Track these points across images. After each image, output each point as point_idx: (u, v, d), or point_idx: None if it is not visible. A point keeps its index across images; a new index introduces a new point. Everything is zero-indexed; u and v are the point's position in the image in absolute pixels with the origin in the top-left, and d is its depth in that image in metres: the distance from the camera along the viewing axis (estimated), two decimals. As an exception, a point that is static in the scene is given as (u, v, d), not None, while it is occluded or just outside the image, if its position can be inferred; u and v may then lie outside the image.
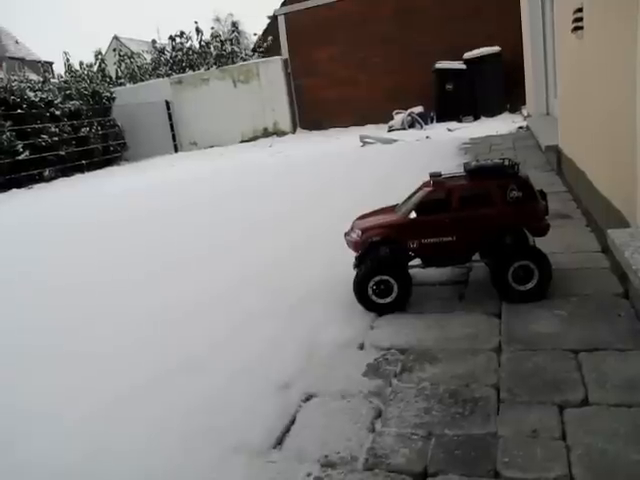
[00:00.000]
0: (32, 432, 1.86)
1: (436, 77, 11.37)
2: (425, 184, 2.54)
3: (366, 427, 1.65)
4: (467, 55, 11.12)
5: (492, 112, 10.98)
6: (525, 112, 9.12)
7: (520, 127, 8.56)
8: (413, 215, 2.44)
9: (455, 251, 2.48)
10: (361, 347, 2.18)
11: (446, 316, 2.32)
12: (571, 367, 1.78)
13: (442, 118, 11.33)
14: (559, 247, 2.90)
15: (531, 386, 1.71)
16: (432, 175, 2.51)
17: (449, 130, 10.06)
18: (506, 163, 2.44)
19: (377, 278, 2.42)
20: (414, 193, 2.56)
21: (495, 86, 10.87)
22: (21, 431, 1.87)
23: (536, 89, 7.73)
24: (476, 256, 2.56)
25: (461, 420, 1.60)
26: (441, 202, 2.42)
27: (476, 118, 11.10)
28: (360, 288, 2.45)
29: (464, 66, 11.15)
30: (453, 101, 11.19)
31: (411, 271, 2.50)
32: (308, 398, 1.86)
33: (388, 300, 2.44)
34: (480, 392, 1.73)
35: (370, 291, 2.44)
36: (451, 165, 6.06)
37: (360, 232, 2.52)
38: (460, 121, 11.05)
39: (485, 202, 2.39)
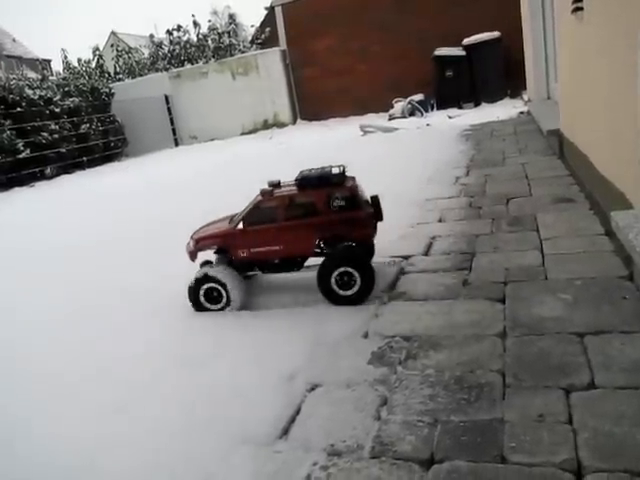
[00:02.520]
0: (32, 433, 1.85)
1: (436, 64, 11.30)
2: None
3: (372, 415, 1.64)
4: (466, 41, 11.02)
5: (492, 98, 10.90)
6: (526, 97, 9.05)
7: (521, 112, 8.51)
8: (241, 225, 2.56)
9: (285, 259, 2.61)
10: (365, 335, 2.17)
11: (450, 302, 2.31)
12: (577, 351, 1.77)
13: (442, 105, 11.26)
14: (563, 231, 2.89)
15: (537, 371, 1.71)
16: (269, 184, 2.61)
17: (449, 117, 10.00)
18: (335, 171, 2.49)
19: (207, 285, 2.57)
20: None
21: (495, 72, 10.78)
22: (21, 433, 1.85)
23: (536, 74, 7.67)
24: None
25: (467, 406, 1.60)
26: (269, 211, 2.53)
27: (477, 104, 11.03)
28: (193, 295, 2.60)
29: (464, 52, 11.06)
30: (453, 88, 11.11)
31: (413, 260, 2.48)
32: (313, 388, 1.85)
33: (219, 306, 2.59)
34: (485, 378, 1.72)
35: (202, 297, 2.59)
36: (453, 152, 6.04)
37: (195, 242, 2.68)
38: (460, 108, 10.98)
39: (310, 211, 2.48)
